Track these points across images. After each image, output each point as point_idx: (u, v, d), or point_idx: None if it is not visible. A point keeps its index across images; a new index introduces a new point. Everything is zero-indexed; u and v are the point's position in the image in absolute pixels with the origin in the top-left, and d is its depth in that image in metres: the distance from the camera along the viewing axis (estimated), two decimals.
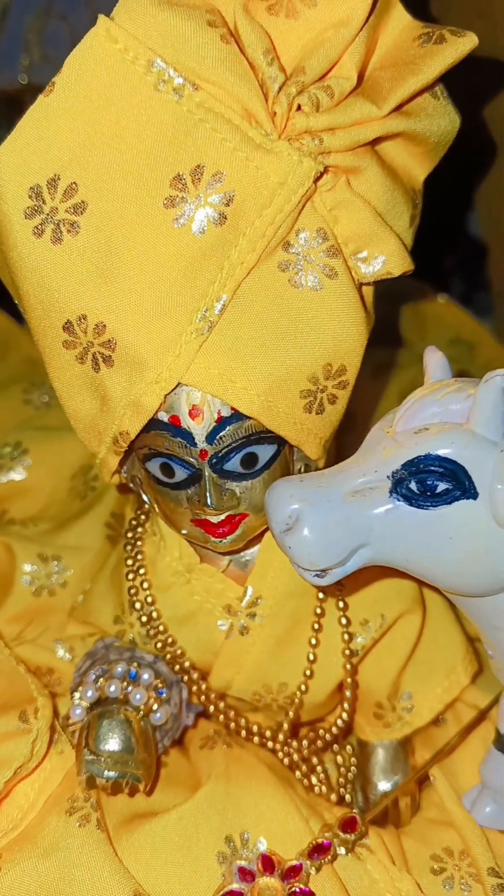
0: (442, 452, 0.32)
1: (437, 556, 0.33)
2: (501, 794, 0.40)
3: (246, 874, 0.37)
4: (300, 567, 0.34)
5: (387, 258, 0.37)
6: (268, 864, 0.37)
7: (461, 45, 0.36)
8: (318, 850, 0.38)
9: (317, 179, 0.34)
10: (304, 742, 0.44)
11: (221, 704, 0.43)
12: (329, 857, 0.38)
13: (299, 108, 0.34)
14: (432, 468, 0.32)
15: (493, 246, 0.75)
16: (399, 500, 0.33)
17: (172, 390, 0.35)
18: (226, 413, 0.35)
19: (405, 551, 0.34)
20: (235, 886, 0.37)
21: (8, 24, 0.83)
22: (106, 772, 0.38)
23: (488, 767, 0.42)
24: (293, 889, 0.36)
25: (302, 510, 0.33)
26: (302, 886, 0.36)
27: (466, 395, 0.33)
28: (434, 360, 0.37)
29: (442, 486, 0.32)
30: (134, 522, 0.44)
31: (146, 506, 0.43)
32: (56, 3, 0.82)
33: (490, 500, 0.32)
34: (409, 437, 0.33)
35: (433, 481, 0.32)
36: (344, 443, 0.57)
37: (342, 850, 0.38)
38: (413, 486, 0.32)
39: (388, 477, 0.33)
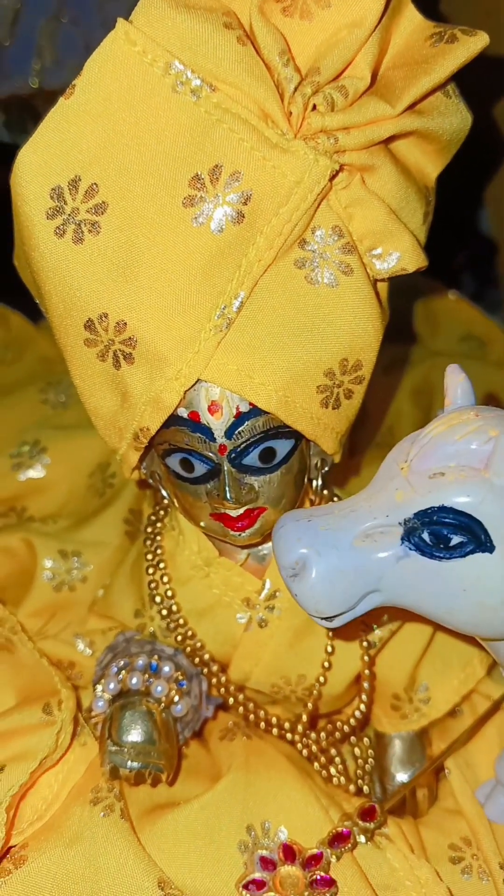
0: (457, 505, 0.30)
1: (449, 606, 0.32)
2: None
3: (267, 863, 0.38)
4: (307, 611, 0.33)
5: (401, 255, 0.37)
6: (289, 853, 0.38)
7: (473, 44, 0.36)
8: (338, 839, 0.38)
9: (332, 178, 0.35)
10: (322, 734, 0.45)
11: (241, 696, 0.44)
12: (349, 845, 0.38)
13: (314, 107, 0.35)
14: (446, 520, 0.30)
15: (503, 243, 0.76)
16: (411, 549, 0.31)
17: (192, 386, 0.36)
18: (244, 408, 0.36)
19: (417, 599, 0.33)
20: (258, 875, 0.37)
21: (20, 28, 0.84)
22: (129, 762, 0.38)
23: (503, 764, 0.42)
24: (314, 877, 0.37)
25: (309, 557, 0.31)
26: (323, 874, 0.37)
27: (487, 437, 0.31)
28: (455, 383, 0.34)
29: (456, 540, 0.30)
30: (153, 518, 0.45)
31: (165, 501, 0.44)
32: (68, 7, 0.83)
33: None
34: (424, 482, 0.31)
35: (447, 533, 0.31)
36: (357, 438, 0.57)
37: (362, 839, 0.39)
38: (426, 536, 0.31)
39: (399, 524, 0.31)
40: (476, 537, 0.30)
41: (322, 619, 0.33)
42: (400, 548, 0.31)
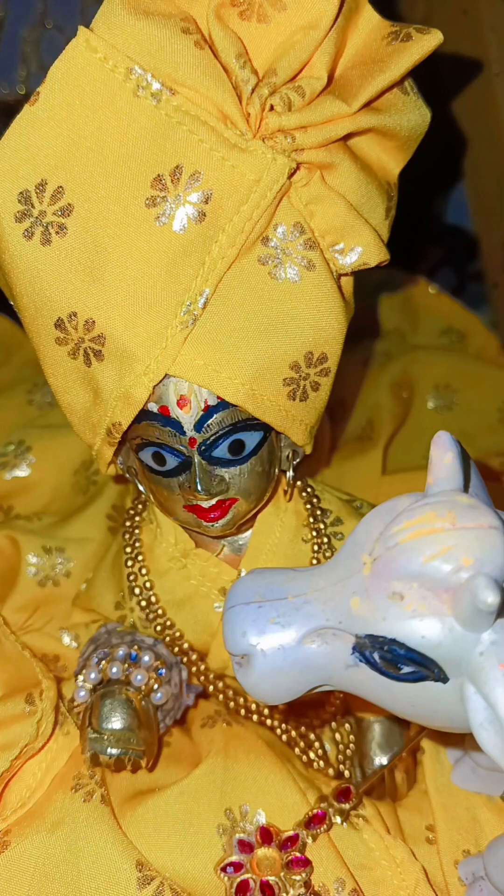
0: (410, 642, 0.28)
1: (399, 711, 0.31)
2: (481, 764, 0.42)
3: (245, 846, 0.38)
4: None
5: (363, 249, 0.38)
6: (266, 835, 0.39)
7: (426, 42, 0.37)
8: (314, 820, 0.39)
9: (291, 175, 0.36)
10: (303, 719, 0.45)
11: (220, 684, 0.45)
12: (325, 826, 0.39)
13: (272, 108, 0.35)
14: (397, 653, 0.28)
15: (484, 237, 0.77)
16: (360, 661, 0.30)
17: (160, 382, 0.37)
18: (212, 402, 0.37)
19: (369, 698, 0.31)
20: (235, 858, 0.38)
21: (4, 35, 0.85)
22: (109, 749, 0.39)
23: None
24: (290, 857, 0.38)
25: (254, 655, 0.30)
26: (298, 854, 0.38)
27: (458, 565, 0.27)
28: (440, 462, 0.30)
29: (407, 669, 0.29)
30: (131, 511, 0.46)
31: (142, 495, 0.44)
32: (51, 14, 0.84)
33: (461, 693, 0.28)
34: (381, 600, 0.28)
35: (398, 662, 0.29)
36: (337, 432, 0.58)
37: (338, 820, 0.40)
38: (376, 656, 0.29)
39: (352, 634, 0.29)
40: (429, 670, 0.28)
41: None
42: (350, 656, 0.30)
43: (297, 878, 0.37)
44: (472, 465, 0.32)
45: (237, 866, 0.38)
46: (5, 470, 0.56)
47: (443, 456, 0.30)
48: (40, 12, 0.85)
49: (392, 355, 0.64)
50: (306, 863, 0.37)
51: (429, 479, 0.30)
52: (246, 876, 0.37)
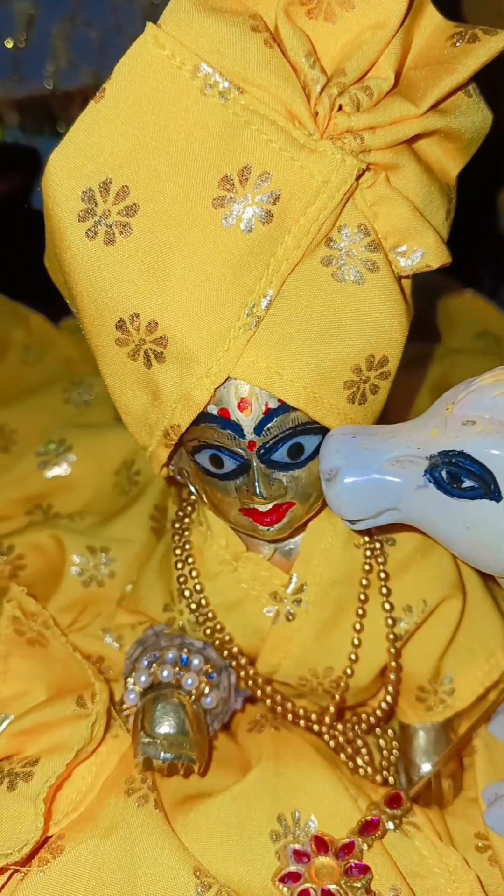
0: (475, 453, 0.33)
1: (454, 538, 0.35)
2: None
3: (301, 856, 0.38)
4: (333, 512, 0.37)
5: (425, 251, 0.38)
6: (321, 844, 0.38)
7: (494, 43, 0.36)
8: (368, 827, 0.39)
9: (358, 177, 0.35)
10: (349, 725, 0.45)
11: (268, 689, 0.44)
12: (378, 833, 0.39)
13: (340, 108, 0.35)
14: (462, 464, 0.33)
15: None
16: (430, 482, 0.34)
17: (222, 384, 0.36)
18: (273, 405, 0.37)
19: (428, 525, 0.36)
20: (293, 868, 0.38)
21: (34, 31, 0.85)
22: (162, 753, 0.39)
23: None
24: (349, 865, 0.38)
25: (341, 468, 0.35)
26: (357, 862, 0.38)
27: None
28: None
29: (468, 483, 0.33)
30: (180, 514, 0.46)
31: (192, 497, 0.44)
32: (82, 10, 0.84)
33: None
34: (456, 426, 0.34)
35: (461, 476, 0.34)
36: None
37: (390, 826, 0.39)
38: (444, 473, 0.34)
39: (426, 457, 0.34)
40: (486, 485, 0.33)
41: (346, 521, 0.37)
42: (421, 478, 0.35)
43: (358, 884, 0.36)
44: None
45: (295, 877, 0.37)
46: (46, 468, 0.55)
47: None
48: (71, 8, 0.85)
49: (432, 359, 0.64)
50: (366, 869, 0.37)
51: None
52: (306, 885, 0.37)
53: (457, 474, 0.34)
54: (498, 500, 0.33)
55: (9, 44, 0.85)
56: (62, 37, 0.85)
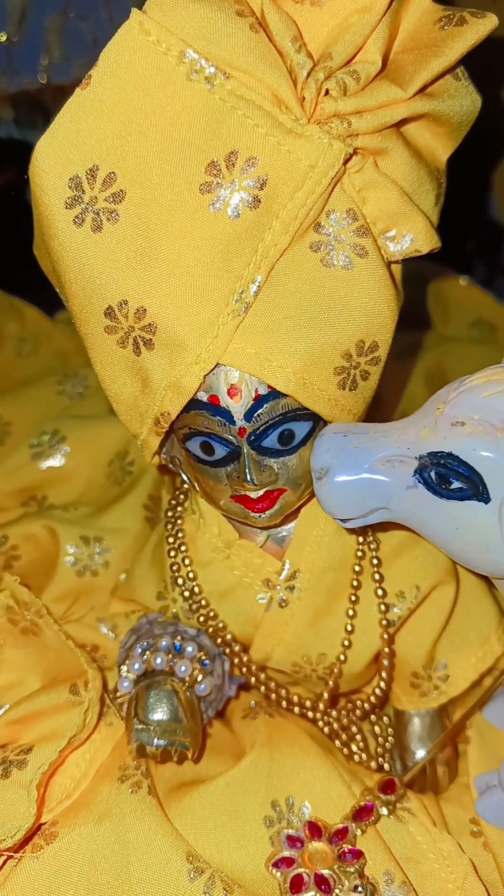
0: (463, 455, 0.33)
1: (442, 538, 0.36)
2: None
3: (295, 841, 0.38)
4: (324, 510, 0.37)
5: (415, 236, 0.38)
6: (314, 829, 0.39)
7: (482, 25, 0.36)
8: (362, 812, 0.39)
9: (346, 161, 0.35)
10: (343, 712, 0.45)
11: (262, 676, 0.44)
12: (372, 818, 0.39)
13: (327, 92, 0.35)
14: (451, 465, 0.33)
15: None
16: (419, 482, 0.35)
17: (211, 371, 0.36)
18: (263, 391, 0.37)
19: (418, 525, 0.36)
20: (286, 853, 0.38)
21: (27, 24, 0.85)
22: (156, 740, 0.39)
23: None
24: (342, 850, 0.38)
25: (332, 467, 0.35)
26: (350, 847, 0.38)
27: None
28: None
29: (456, 484, 0.34)
30: (173, 502, 0.46)
31: (185, 486, 0.44)
32: (74, 2, 0.84)
33: (499, 512, 0.33)
34: (446, 427, 0.34)
35: (450, 477, 0.34)
36: (370, 421, 0.58)
37: (384, 811, 0.40)
38: (433, 474, 0.34)
39: (416, 458, 0.35)
40: (475, 486, 0.33)
41: (338, 519, 0.37)
42: (411, 478, 0.35)
43: (351, 869, 0.36)
44: None
45: (289, 861, 0.37)
46: (40, 459, 0.55)
47: None
48: (63, 1, 0.85)
49: (425, 347, 0.64)
50: (359, 854, 0.37)
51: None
52: (299, 870, 0.37)
53: (445, 475, 0.34)
54: (486, 501, 0.33)
55: (2, 38, 0.84)
56: (55, 30, 0.85)
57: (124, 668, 0.42)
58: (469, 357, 0.64)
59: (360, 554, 0.43)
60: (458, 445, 0.33)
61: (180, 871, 0.36)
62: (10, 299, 0.71)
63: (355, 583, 0.43)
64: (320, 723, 0.45)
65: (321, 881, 0.36)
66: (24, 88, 0.85)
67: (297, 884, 0.36)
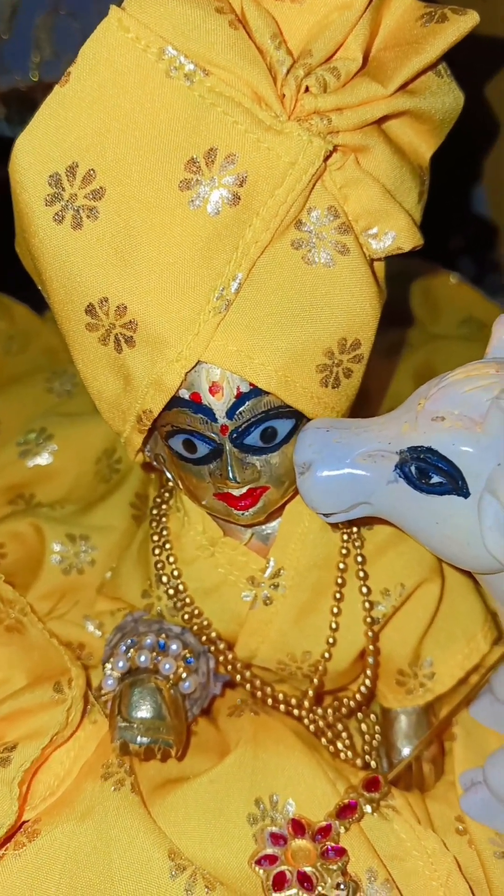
0: (443, 451, 0.33)
1: (423, 532, 0.36)
2: (496, 794, 0.41)
3: (278, 839, 0.38)
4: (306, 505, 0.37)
5: (397, 234, 0.38)
6: (298, 827, 0.39)
7: (463, 23, 0.36)
8: (346, 810, 0.39)
9: (326, 158, 0.35)
10: (329, 710, 0.45)
11: (247, 674, 0.44)
12: (356, 816, 0.39)
13: (307, 89, 0.35)
14: (430, 460, 0.34)
15: (502, 227, 0.76)
16: (400, 476, 0.35)
17: (192, 368, 0.36)
18: (245, 389, 0.36)
19: (400, 520, 0.36)
20: (269, 851, 0.38)
21: (18, 22, 0.85)
22: (139, 738, 0.39)
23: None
24: (325, 847, 0.38)
25: (314, 462, 0.36)
26: (333, 844, 0.38)
27: (492, 395, 0.34)
28: (498, 337, 0.37)
29: (436, 479, 0.34)
30: (158, 500, 0.46)
31: (170, 483, 0.44)
32: (65, 0, 0.84)
33: (478, 506, 0.33)
34: (426, 422, 0.34)
35: (430, 472, 0.34)
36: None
37: (368, 809, 0.40)
38: (413, 469, 0.34)
39: (396, 452, 0.35)
40: (454, 481, 0.33)
41: (320, 513, 0.37)
42: (392, 473, 0.35)
43: (334, 867, 0.36)
44: None
45: (272, 859, 0.37)
46: (27, 457, 0.55)
47: (500, 333, 0.37)
48: None
49: (413, 345, 0.64)
50: (342, 852, 0.37)
51: (487, 351, 0.37)
52: (282, 868, 0.37)
53: (425, 470, 0.34)
54: (466, 496, 0.33)
55: None
56: (46, 28, 0.84)
57: (108, 665, 0.42)
58: (458, 355, 0.63)
59: (344, 551, 0.43)
60: (438, 440, 0.33)
61: (162, 869, 0.36)
62: None
63: (340, 580, 0.43)
64: (306, 720, 0.45)
65: (304, 878, 0.36)
66: (14, 86, 0.85)
67: (279, 881, 0.36)
